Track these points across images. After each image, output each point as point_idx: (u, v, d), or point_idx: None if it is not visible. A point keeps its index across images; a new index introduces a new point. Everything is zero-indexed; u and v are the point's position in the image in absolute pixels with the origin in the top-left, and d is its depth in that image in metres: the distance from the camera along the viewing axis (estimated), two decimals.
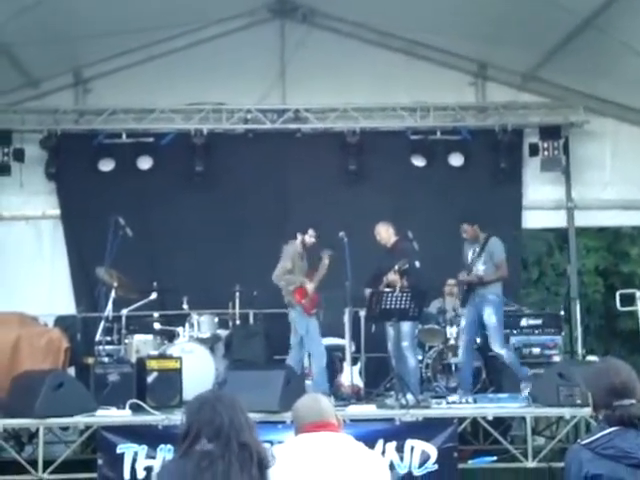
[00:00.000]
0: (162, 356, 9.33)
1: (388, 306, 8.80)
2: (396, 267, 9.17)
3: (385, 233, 9.58)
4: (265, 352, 10.23)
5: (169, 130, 11.36)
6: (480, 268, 9.27)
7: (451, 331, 10.00)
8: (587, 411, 6.55)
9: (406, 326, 9.24)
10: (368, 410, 8.39)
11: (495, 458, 8.58)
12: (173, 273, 10.94)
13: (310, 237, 9.56)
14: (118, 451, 7.79)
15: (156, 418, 8.03)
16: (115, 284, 9.44)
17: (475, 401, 8.66)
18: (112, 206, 10.28)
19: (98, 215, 10.44)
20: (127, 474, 7.74)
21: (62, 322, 10.10)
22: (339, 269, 9.18)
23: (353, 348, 9.65)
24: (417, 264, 9.22)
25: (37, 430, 8.24)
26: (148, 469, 7.68)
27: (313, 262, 9.58)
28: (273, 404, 7.78)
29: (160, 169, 11.31)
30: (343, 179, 11.38)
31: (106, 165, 11.28)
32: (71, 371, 9.45)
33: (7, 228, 11.47)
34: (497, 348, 9.17)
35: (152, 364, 8.85)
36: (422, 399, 8.76)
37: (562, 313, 10.23)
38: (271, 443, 4.34)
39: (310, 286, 9.40)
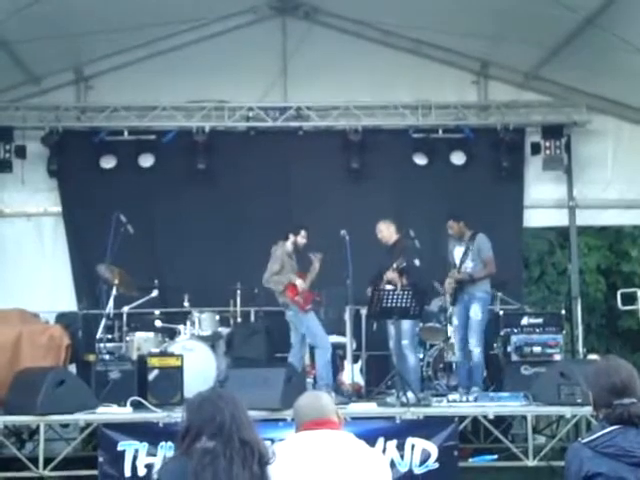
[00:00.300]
0: (163, 354, 9.34)
1: (389, 304, 8.81)
2: (394, 265, 9.19)
3: (386, 231, 9.59)
4: (266, 350, 10.24)
5: (171, 128, 11.36)
6: (468, 265, 9.34)
7: (452, 329, 9.99)
8: (588, 410, 6.58)
9: (406, 324, 9.25)
10: (369, 408, 8.40)
11: (496, 457, 8.59)
12: (174, 271, 10.96)
13: (302, 238, 9.54)
14: (119, 448, 7.80)
15: (157, 416, 8.04)
16: (116, 281, 9.43)
17: (476, 400, 8.66)
18: (114, 203, 10.27)
19: (100, 212, 10.44)
20: (128, 471, 7.76)
21: (63, 319, 10.09)
22: (340, 267, 9.19)
23: (354, 346, 9.66)
24: (417, 262, 9.23)
25: (38, 427, 8.25)
26: (149, 466, 7.69)
27: (304, 265, 9.59)
28: (274, 402, 7.78)
29: (162, 167, 11.31)
30: (345, 177, 11.38)
31: (108, 162, 11.27)
32: (72, 368, 9.43)
33: (8, 225, 11.47)
34: (473, 345, 9.28)
35: (153, 362, 8.86)
36: (423, 397, 8.76)
37: (563, 312, 10.22)
38: (272, 441, 4.33)
39: (300, 282, 9.39)
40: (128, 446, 7.80)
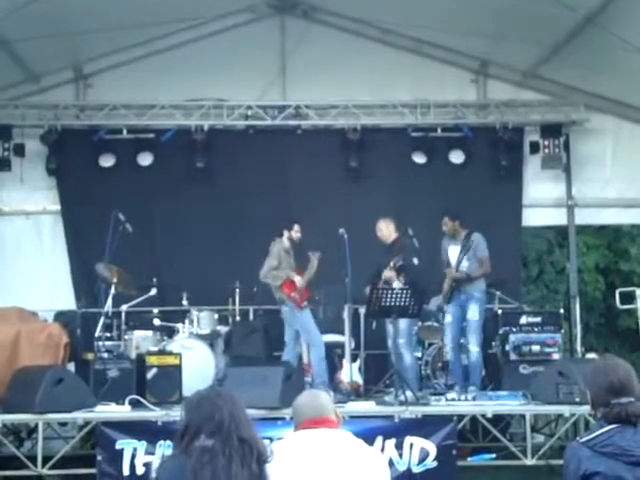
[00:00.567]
0: (162, 352, 9.33)
1: (388, 303, 8.81)
2: (391, 263, 9.20)
3: (386, 229, 9.61)
4: (265, 348, 10.24)
5: (169, 126, 11.36)
6: (464, 265, 9.35)
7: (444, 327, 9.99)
8: (586, 409, 6.57)
9: (403, 323, 9.26)
10: (367, 407, 8.40)
11: (494, 456, 8.59)
12: (173, 269, 10.96)
13: (296, 232, 9.61)
14: (117, 447, 7.79)
15: (155, 414, 8.04)
16: (115, 280, 9.43)
17: (474, 398, 8.66)
18: (112, 202, 10.26)
19: (98, 211, 10.44)
20: (126, 470, 7.75)
21: (62, 317, 10.09)
22: (339, 266, 9.19)
23: (353, 345, 9.67)
24: (415, 261, 9.24)
25: (36, 425, 8.24)
26: (147, 465, 7.68)
27: (302, 263, 9.60)
28: (273, 400, 7.78)
29: (160, 165, 11.31)
30: (343, 176, 11.38)
31: (106, 161, 11.27)
32: (71, 367, 9.43)
33: (7, 223, 11.47)
34: (472, 345, 9.30)
35: (152, 360, 8.85)
36: (421, 396, 8.77)
37: (562, 311, 10.22)
38: (271, 440, 4.34)
39: (298, 278, 9.41)
40: (126, 445, 7.79)
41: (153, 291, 9.98)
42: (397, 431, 7.89)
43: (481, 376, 9.50)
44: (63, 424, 9.21)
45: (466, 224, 9.60)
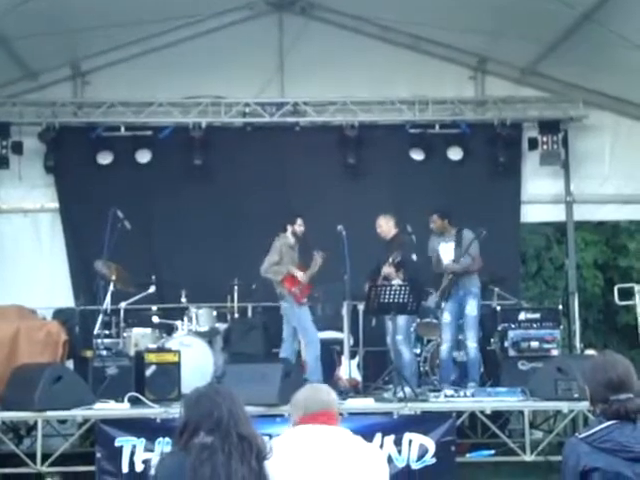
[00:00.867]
0: (161, 349, 9.33)
1: (386, 300, 8.82)
2: (390, 259, 9.21)
3: (385, 226, 9.60)
4: (264, 345, 10.24)
5: (167, 123, 11.34)
6: (461, 260, 9.37)
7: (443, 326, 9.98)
8: (585, 405, 6.59)
9: (401, 320, 9.26)
10: (366, 404, 8.41)
11: (493, 452, 8.61)
12: (171, 266, 10.96)
13: (299, 226, 9.63)
14: (116, 444, 7.80)
15: (154, 411, 8.05)
16: (113, 277, 9.43)
17: (473, 395, 8.66)
18: (111, 199, 10.25)
19: (96, 208, 10.42)
20: (125, 467, 7.76)
21: (60, 315, 10.08)
22: (337, 263, 9.20)
23: (351, 341, 9.67)
24: (414, 257, 9.25)
25: (35, 423, 8.24)
26: (146, 462, 7.68)
27: (305, 261, 9.60)
28: (272, 397, 7.79)
29: (158, 162, 11.30)
30: (342, 173, 11.37)
31: (105, 158, 11.26)
32: (69, 364, 9.44)
33: (5, 221, 11.46)
34: (470, 341, 9.31)
35: (150, 357, 8.86)
36: (420, 393, 8.78)
37: (560, 307, 10.21)
38: (270, 436, 4.34)
39: (300, 274, 9.42)
40: (126, 442, 7.80)
41: (152, 288, 9.98)
42: (396, 428, 7.89)
43: (480, 372, 9.52)
44: (62, 421, 9.21)
45: (465, 221, 9.59)
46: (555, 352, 9.43)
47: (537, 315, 9.68)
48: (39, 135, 11.08)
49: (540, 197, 11.64)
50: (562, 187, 11.49)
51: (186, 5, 10.39)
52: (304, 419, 3.78)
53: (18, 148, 11.03)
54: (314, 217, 10.12)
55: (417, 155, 11.43)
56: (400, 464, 7.75)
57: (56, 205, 11.41)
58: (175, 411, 7.30)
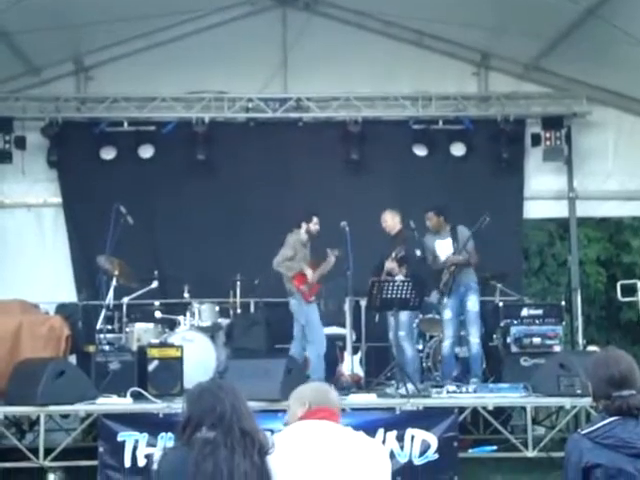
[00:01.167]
0: (163, 344, 9.35)
1: (389, 295, 8.81)
2: (393, 254, 9.20)
3: (391, 221, 9.59)
4: (266, 341, 10.25)
5: (170, 118, 11.35)
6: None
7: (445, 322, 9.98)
8: (587, 401, 6.58)
9: (404, 316, 9.25)
10: (369, 399, 8.41)
11: (495, 448, 8.61)
12: (174, 261, 10.95)
13: (315, 225, 9.60)
14: (119, 439, 7.81)
15: (157, 406, 8.06)
16: (116, 272, 9.43)
17: (475, 391, 8.67)
18: (113, 194, 10.26)
19: (99, 203, 10.45)
20: (128, 462, 7.77)
21: (63, 310, 10.10)
22: (340, 258, 9.21)
23: (354, 337, 9.67)
24: (418, 253, 9.25)
25: (38, 418, 8.27)
26: (149, 457, 7.69)
27: (318, 258, 9.59)
28: (274, 393, 7.78)
29: (161, 157, 11.30)
30: (345, 168, 11.37)
31: (108, 153, 11.27)
32: (72, 359, 9.44)
33: (8, 216, 11.46)
34: (473, 336, 9.30)
35: (153, 352, 8.87)
36: (422, 388, 8.78)
37: (563, 303, 10.23)
38: (272, 432, 4.33)
39: (310, 272, 9.41)
40: (128, 437, 7.81)
41: (154, 283, 9.99)
42: (398, 423, 7.90)
43: (482, 368, 9.52)
44: (65, 416, 9.23)
45: (468, 217, 9.58)
46: (557, 348, 9.44)
47: (540, 311, 9.68)
48: (42, 130, 11.09)
49: (543, 193, 11.63)
50: (565, 183, 11.47)
51: (190, 0, 10.38)
52: (306, 414, 3.78)
53: (21, 143, 11.04)
54: (317, 213, 10.11)
55: (420, 151, 11.42)
56: (402, 460, 7.76)
57: (59, 200, 11.41)
58: (177, 406, 7.30)
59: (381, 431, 7.76)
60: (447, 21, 10.50)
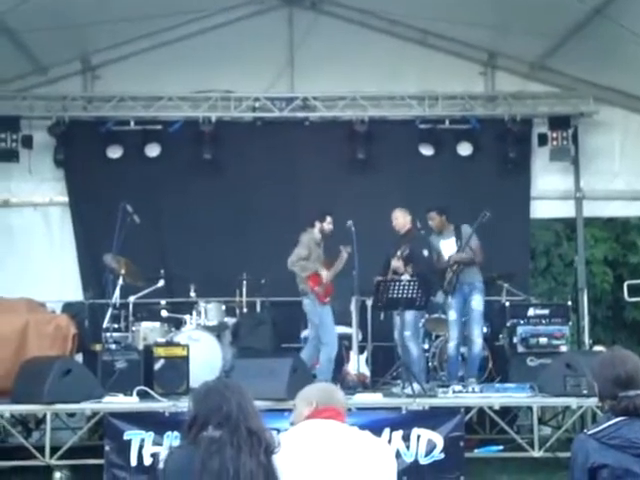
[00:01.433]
0: (169, 343, 9.35)
1: (395, 295, 8.80)
2: (398, 253, 9.20)
3: (402, 219, 9.57)
4: (272, 340, 10.25)
5: (177, 118, 11.35)
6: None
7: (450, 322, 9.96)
8: (594, 401, 6.58)
9: (409, 315, 9.24)
10: (375, 399, 8.40)
11: (501, 447, 8.61)
12: (180, 261, 10.96)
13: (328, 224, 9.58)
14: (125, 438, 7.82)
15: (163, 405, 8.07)
16: (123, 271, 9.45)
17: (481, 390, 8.66)
18: (120, 193, 10.27)
19: (106, 202, 10.45)
20: (134, 460, 7.78)
21: (70, 309, 10.13)
22: (347, 257, 9.21)
23: (360, 337, 9.66)
24: (425, 252, 9.24)
25: (44, 416, 8.29)
26: (155, 456, 7.70)
27: (331, 256, 9.58)
28: (280, 392, 7.79)
29: (168, 157, 11.31)
30: (351, 168, 11.36)
31: (114, 152, 11.29)
32: (79, 358, 9.46)
33: (16, 214, 11.49)
34: (476, 336, 9.29)
35: (159, 351, 8.88)
36: (428, 388, 8.77)
37: (570, 303, 10.22)
38: (278, 431, 4.34)
39: (325, 273, 9.39)
40: (134, 435, 7.82)
41: (161, 282, 10.00)
42: (404, 423, 7.90)
43: (482, 368, 9.50)
44: (71, 415, 9.25)
45: (474, 217, 9.56)
46: (564, 348, 9.43)
47: (546, 311, 9.67)
48: (49, 129, 11.11)
49: (550, 193, 11.61)
50: (572, 183, 11.46)
51: (196, 0, 10.39)
52: (312, 414, 3.78)
53: (28, 142, 11.06)
54: (323, 212, 10.11)
55: (427, 150, 11.41)
56: (408, 459, 7.75)
57: (66, 199, 11.43)
58: (184, 405, 7.31)
59: (387, 431, 7.75)
60: (452, 20, 10.49)
